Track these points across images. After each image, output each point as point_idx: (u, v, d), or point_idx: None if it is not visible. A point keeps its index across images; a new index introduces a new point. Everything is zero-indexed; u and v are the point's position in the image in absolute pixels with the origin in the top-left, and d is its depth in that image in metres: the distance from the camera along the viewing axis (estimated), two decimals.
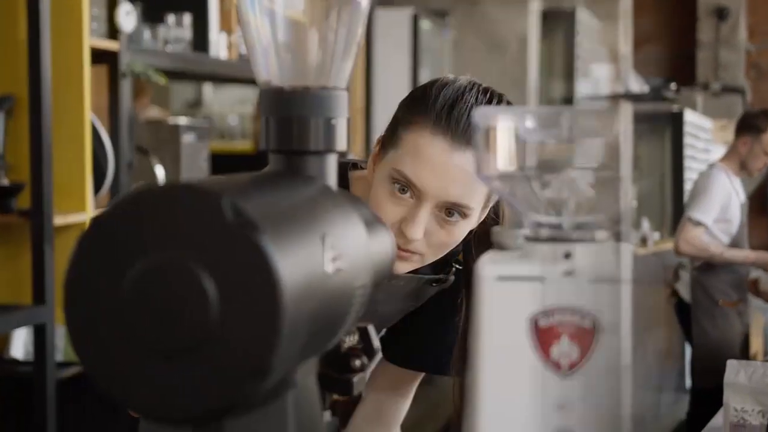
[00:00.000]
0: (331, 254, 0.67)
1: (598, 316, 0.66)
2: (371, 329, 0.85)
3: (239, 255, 0.59)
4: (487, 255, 0.70)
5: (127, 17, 2.62)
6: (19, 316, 2.37)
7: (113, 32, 2.65)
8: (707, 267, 4.36)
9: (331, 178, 0.78)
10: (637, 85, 6.51)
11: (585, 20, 7.70)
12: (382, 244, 0.84)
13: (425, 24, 5.13)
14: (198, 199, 0.60)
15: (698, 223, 4.22)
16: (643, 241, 6.65)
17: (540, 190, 0.69)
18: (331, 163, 0.78)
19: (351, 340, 0.85)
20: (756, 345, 5.62)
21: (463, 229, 1.29)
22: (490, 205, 1.33)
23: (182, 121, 3.19)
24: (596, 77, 6.02)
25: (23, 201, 2.37)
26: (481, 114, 0.69)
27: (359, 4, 0.79)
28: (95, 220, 0.62)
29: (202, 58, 3.22)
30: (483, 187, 1.26)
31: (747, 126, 4.33)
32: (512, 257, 0.70)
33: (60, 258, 2.38)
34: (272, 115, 0.76)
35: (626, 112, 0.66)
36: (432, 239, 1.27)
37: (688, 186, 7.32)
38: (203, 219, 0.59)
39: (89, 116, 2.48)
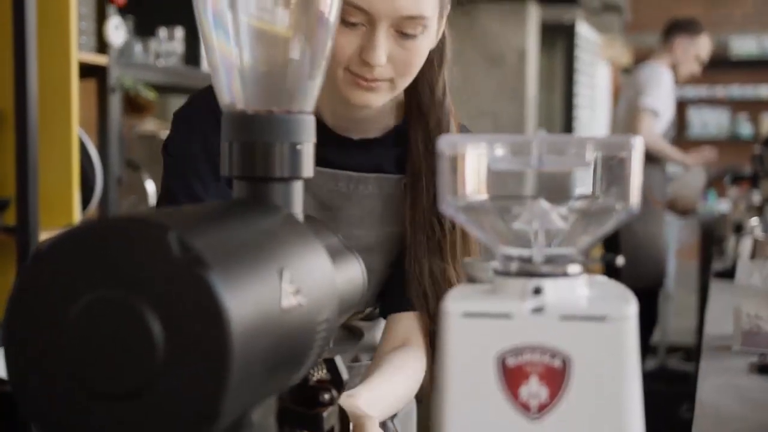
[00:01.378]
0: (290, 289, 0.64)
1: (569, 356, 0.62)
2: (338, 360, 0.81)
3: (186, 292, 0.56)
4: (454, 290, 0.67)
5: (117, 31, 2.59)
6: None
7: (103, 46, 2.62)
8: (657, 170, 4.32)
9: (297, 206, 0.75)
10: None
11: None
12: (350, 273, 0.81)
13: None
14: (144, 232, 0.57)
15: (654, 112, 4.19)
16: None
17: (509, 222, 0.66)
18: (297, 190, 0.75)
19: (318, 373, 0.81)
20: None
21: (424, 44, 1.25)
22: (446, 14, 1.30)
23: None
24: None
25: (9, 217, 2.34)
26: (448, 141, 0.66)
27: (327, 23, 0.77)
28: (37, 252, 0.59)
29: (194, 72, 3.19)
30: None
31: (683, 27, 4.34)
32: (480, 292, 0.66)
33: None
34: (235, 140, 0.74)
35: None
36: (396, 62, 1.23)
37: (578, 100, 7.32)
38: (149, 254, 0.56)
39: (77, 131, 2.45)
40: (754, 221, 2.95)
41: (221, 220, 0.64)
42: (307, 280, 0.67)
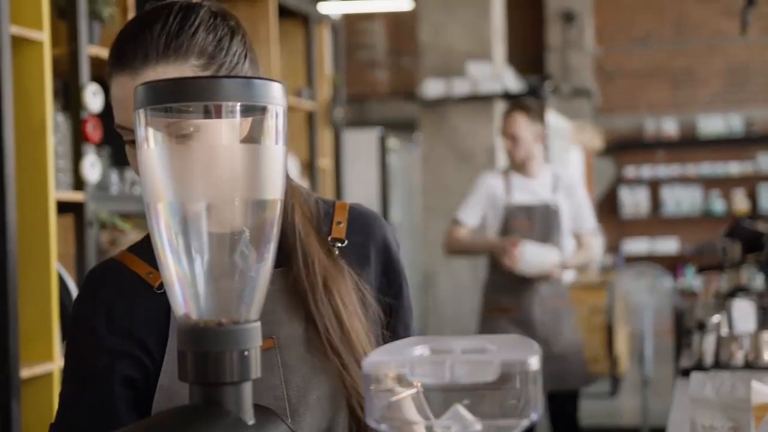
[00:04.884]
0: None
1: None
2: None
3: None
4: None
5: (92, 169, 2.70)
6: None
7: (79, 183, 2.72)
8: (489, 272, 4.28)
9: (246, 404, 0.84)
10: (513, 83, 6.41)
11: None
12: None
13: (392, 142, 5.26)
14: None
15: (456, 222, 4.22)
16: None
17: (430, 426, 0.75)
18: (247, 390, 0.84)
19: None
20: None
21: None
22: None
23: None
24: (473, 76, 6.02)
25: None
26: (371, 363, 0.75)
27: (268, 244, 0.86)
28: None
29: None
30: None
31: None
32: None
33: (27, 412, 2.41)
34: (189, 349, 0.83)
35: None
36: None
37: None
38: None
39: (55, 267, 2.54)
40: (716, 318, 3.02)
41: None
42: None
